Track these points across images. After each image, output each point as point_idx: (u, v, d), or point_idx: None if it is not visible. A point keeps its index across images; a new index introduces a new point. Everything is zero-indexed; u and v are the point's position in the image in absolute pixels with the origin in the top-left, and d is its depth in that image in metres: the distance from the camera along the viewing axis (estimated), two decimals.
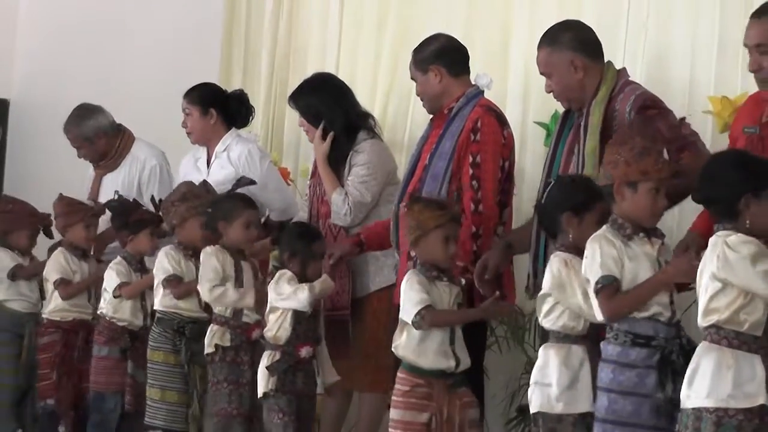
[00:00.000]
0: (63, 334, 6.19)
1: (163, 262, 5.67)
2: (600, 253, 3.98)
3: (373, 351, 5.54)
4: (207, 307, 5.55)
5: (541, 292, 4.28)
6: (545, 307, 4.25)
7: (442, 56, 5.23)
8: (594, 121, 4.63)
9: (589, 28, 4.88)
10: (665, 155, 4.04)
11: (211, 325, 5.40)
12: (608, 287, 3.96)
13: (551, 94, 4.88)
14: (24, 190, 6.93)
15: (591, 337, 4.21)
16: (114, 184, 6.68)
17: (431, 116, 5.35)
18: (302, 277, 5.11)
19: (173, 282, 5.62)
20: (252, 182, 5.76)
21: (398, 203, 5.23)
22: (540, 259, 4.75)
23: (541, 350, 4.29)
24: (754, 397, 3.67)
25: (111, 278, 5.95)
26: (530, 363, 5.57)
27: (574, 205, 4.25)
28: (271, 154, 6.74)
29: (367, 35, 6.91)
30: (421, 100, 5.34)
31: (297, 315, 5.09)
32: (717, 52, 5.45)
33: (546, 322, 4.25)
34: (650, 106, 4.63)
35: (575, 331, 4.20)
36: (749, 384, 3.67)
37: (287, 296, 5.07)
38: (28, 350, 6.40)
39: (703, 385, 3.71)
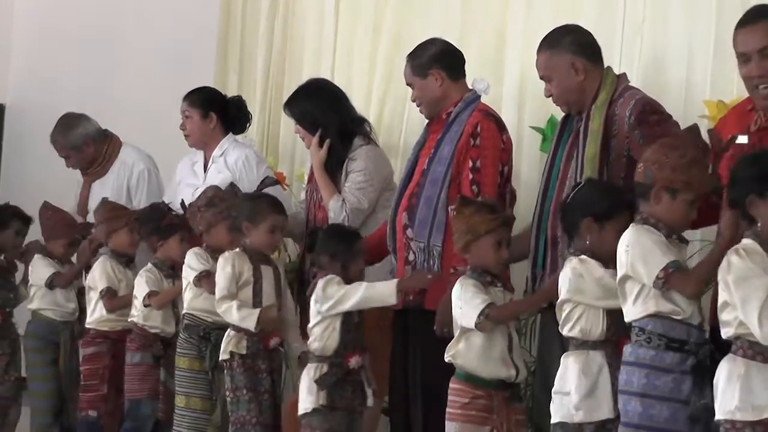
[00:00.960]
0: (111, 344, 6.05)
1: (191, 262, 5.54)
2: (654, 244, 3.86)
3: (370, 357, 5.48)
4: None
5: (559, 300, 4.20)
6: (563, 314, 4.18)
7: (441, 60, 5.23)
8: (594, 127, 4.63)
9: (589, 32, 4.89)
10: (710, 170, 3.97)
11: (228, 330, 5.27)
12: (681, 269, 3.84)
13: (549, 98, 4.88)
14: (19, 195, 6.92)
15: (610, 342, 4.15)
16: (103, 191, 6.67)
17: (427, 121, 5.35)
18: (346, 281, 4.93)
19: (205, 278, 5.47)
20: (276, 182, 5.71)
21: (395, 208, 5.24)
22: (539, 265, 4.76)
23: (561, 359, 4.20)
24: (763, 410, 3.56)
25: (141, 286, 5.84)
26: (527, 367, 5.57)
27: (598, 212, 4.19)
28: (267, 159, 6.74)
29: (362, 40, 6.91)
30: (418, 105, 5.33)
31: (345, 323, 4.91)
32: (713, 55, 5.44)
33: (565, 330, 4.18)
34: (651, 112, 4.63)
35: (593, 335, 4.12)
36: (761, 395, 3.56)
37: (339, 300, 4.87)
38: (65, 358, 6.32)
39: (717, 396, 3.64)
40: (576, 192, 4.31)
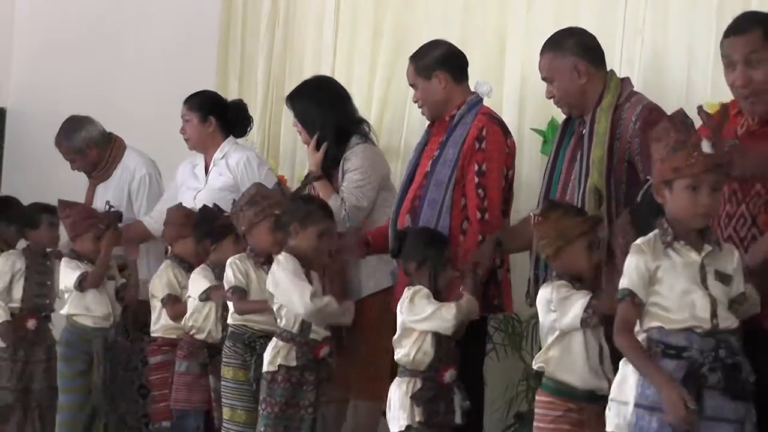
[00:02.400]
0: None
1: (228, 273, 5.30)
2: (627, 263, 3.72)
3: (371, 358, 5.45)
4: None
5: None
6: None
7: (446, 62, 5.23)
8: (600, 129, 4.64)
9: (592, 35, 4.89)
10: (706, 147, 3.67)
11: (275, 340, 5.01)
12: (623, 302, 3.69)
13: (550, 100, 4.88)
14: (21, 198, 6.90)
15: None
16: (106, 194, 6.67)
17: (428, 123, 5.35)
18: (434, 290, 4.70)
19: (236, 295, 5.26)
20: (319, 178, 5.59)
21: (396, 210, 5.23)
22: (541, 266, 4.74)
23: (621, 364, 3.86)
24: None
25: (197, 283, 5.64)
26: (527, 370, 5.58)
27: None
28: (268, 162, 6.74)
29: (363, 42, 6.91)
30: (420, 107, 5.32)
31: (438, 335, 4.64)
32: (713, 57, 5.43)
33: None
34: (656, 122, 4.62)
35: None
36: None
37: (428, 316, 4.63)
38: (97, 369, 6.06)
39: None
40: (645, 193, 4.02)
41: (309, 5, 7.25)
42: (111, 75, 8.02)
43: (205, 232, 5.67)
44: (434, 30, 6.25)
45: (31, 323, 6.34)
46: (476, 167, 5.04)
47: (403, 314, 4.67)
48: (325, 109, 5.76)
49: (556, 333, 4.20)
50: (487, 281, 5.01)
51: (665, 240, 3.71)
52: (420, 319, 4.62)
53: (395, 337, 4.70)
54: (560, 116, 5.01)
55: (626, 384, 3.79)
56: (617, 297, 3.71)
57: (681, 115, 3.81)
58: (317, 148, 5.73)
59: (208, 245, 5.67)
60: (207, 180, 6.28)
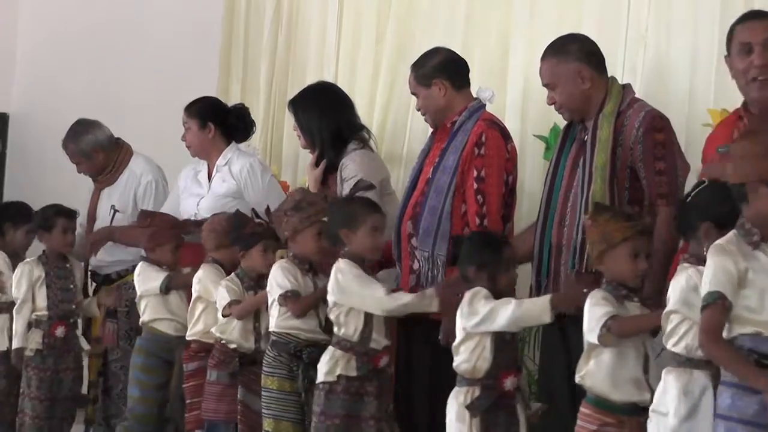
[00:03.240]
0: None
1: (278, 278, 5.09)
2: (712, 264, 3.50)
3: None
4: (328, 329, 5.02)
5: (667, 309, 3.82)
6: (669, 326, 3.80)
7: (445, 69, 5.23)
8: (603, 135, 4.63)
9: (593, 41, 4.89)
10: None
11: (332, 349, 4.82)
12: (712, 306, 3.49)
13: (552, 106, 4.88)
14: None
15: None
16: (111, 199, 6.68)
17: (432, 130, 5.36)
18: (495, 293, 4.47)
19: (291, 298, 5.05)
20: (371, 186, 5.48)
21: (400, 216, 5.23)
22: (543, 273, 4.76)
23: (663, 374, 3.83)
24: None
25: (221, 296, 5.45)
26: (530, 375, 5.57)
27: (719, 217, 3.76)
28: (271, 168, 6.74)
29: (365, 49, 6.92)
30: (423, 114, 5.34)
31: (497, 340, 4.41)
32: (716, 64, 5.43)
33: (669, 344, 3.80)
34: (659, 129, 4.63)
35: (698, 354, 3.69)
36: None
37: (486, 316, 4.39)
38: (178, 379, 5.76)
39: None
40: (696, 193, 3.93)
41: (312, 11, 7.26)
42: (113, 81, 8.04)
43: (235, 238, 5.52)
44: (437, 36, 6.27)
45: (59, 330, 6.25)
46: (475, 173, 5.04)
47: (462, 319, 4.45)
48: (325, 115, 5.76)
49: (588, 344, 4.08)
50: None
51: (751, 240, 3.52)
52: (479, 320, 4.40)
53: (454, 344, 4.49)
54: (563, 123, 5.01)
55: (667, 395, 3.71)
56: (704, 302, 3.51)
57: None
58: (316, 164, 5.73)
59: (237, 252, 5.52)
60: (210, 186, 6.28)
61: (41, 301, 6.27)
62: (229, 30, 7.64)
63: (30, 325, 6.31)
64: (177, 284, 5.87)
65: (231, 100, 6.89)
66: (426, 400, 5.07)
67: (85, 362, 6.58)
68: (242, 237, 5.46)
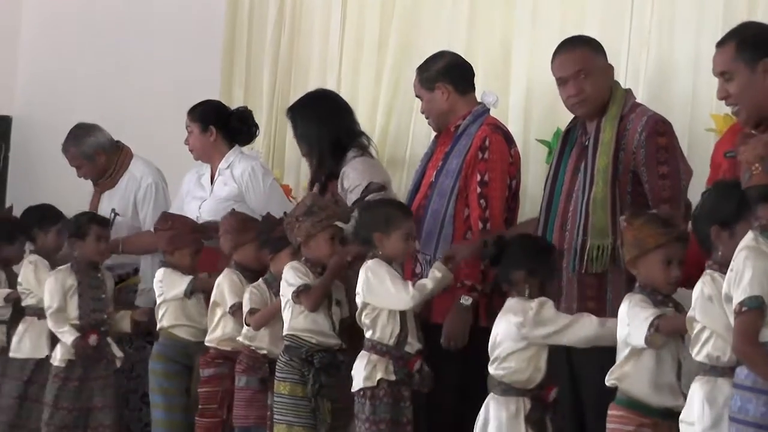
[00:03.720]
0: (232, 366, 5.49)
1: (289, 278, 5.07)
2: (752, 267, 3.42)
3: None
4: (340, 333, 5.08)
5: (689, 314, 3.79)
6: (693, 333, 3.74)
7: (448, 74, 5.24)
8: (606, 139, 4.63)
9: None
10: None
11: (367, 354, 4.76)
12: (753, 312, 3.43)
13: (556, 111, 4.89)
14: (26, 206, 6.90)
15: None
16: (111, 202, 6.68)
17: (435, 133, 5.35)
18: None
19: (304, 293, 5.02)
20: (383, 188, 5.46)
21: None
22: None
23: (692, 384, 3.77)
24: None
25: (245, 303, 5.41)
26: None
27: (723, 217, 3.72)
28: (273, 171, 6.74)
29: (368, 52, 6.91)
30: (427, 118, 5.35)
31: (550, 351, 4.36)
32: None
33: (693, 352, 3.75)
34: (662, 133, 4.63)
35: (721, 362, 3.66)
36: None
37: (561, 329, 4.29)
38: (198, 384, 5.69)
39: None
40: (702, 200, 3.89)
41: (315, 15, 7.25)
42: (117, 84, 8.03)
43: (264, 241, 5.46)
44: (440, 40, 6.27)
45: (92, 339, 6.04)
46: (478, 177, 5.04)
47: (523, 327, 4.32)
48: (323, 123, 5.77)
49: (629, 348, 4.00)
50: (492, 291, 5.01)
51: None
52: (552, 332, 4.29)
53: (501, 352, 4.39)
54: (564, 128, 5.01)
55: (693, 404, 3.67)
56: (745, 306, 3.45)
57: None
58: (313, 181, 5.76)
59: (266, 254, 5.46)
60: (212, 189, 6.28)
61: (73, 310, 6.11)
62: (232, 33, 7.63)
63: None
64: (201, 287, 5.79)
65: (234, 104, 6.89)
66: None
67: None
68: (271, 240, 5.39)
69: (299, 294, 5.02)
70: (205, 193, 6.31)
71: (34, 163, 8.25)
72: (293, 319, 5.07)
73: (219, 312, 5.61)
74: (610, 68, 4.80)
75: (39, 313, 6.27)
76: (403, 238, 4.81)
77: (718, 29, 5.44)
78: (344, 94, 6.34)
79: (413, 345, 4.77)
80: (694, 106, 5.52)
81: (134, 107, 7.82)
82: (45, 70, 8.45)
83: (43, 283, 6.23)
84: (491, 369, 4.40)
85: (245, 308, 5.38)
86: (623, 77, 5.43)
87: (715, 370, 3.67)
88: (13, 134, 8.58)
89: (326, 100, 5.97)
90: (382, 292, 4.75)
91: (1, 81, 8.57)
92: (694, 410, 3.68)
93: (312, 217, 5.09)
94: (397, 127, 6.72)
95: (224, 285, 5.58)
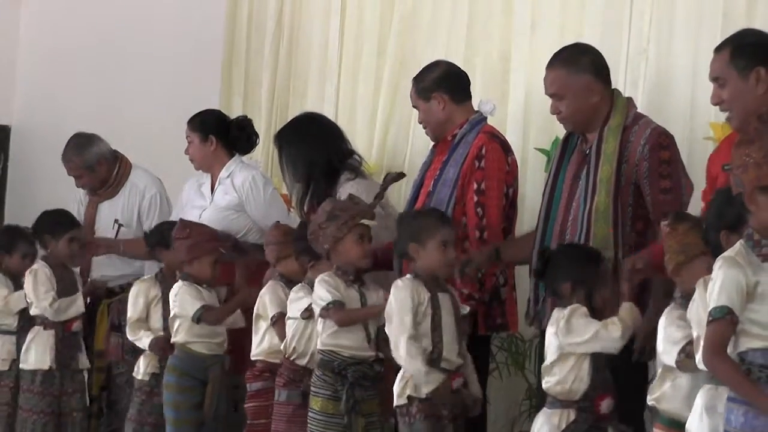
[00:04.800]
0: None
1: (319, 292, 4.91)
2: (723, 277, 3.39)
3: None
4: (378, 346, 4.89)
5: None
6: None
7: (444, 83, 5.23)
8: (609, 149, 4.60)
9: (601, 53, 4.84)
10: None
11: (401, 371, 4.61)
12: (719, 322, 3.38)
13: (554, 119, 4.86)
14: (25, 216, 6.90)
15: None
16: (113, 212, 6.67)
17: (433, 143, 5.36)
18: (590, 311, 4.24)
19: (333, 308, 4.86)
20: (401, 175, 5.26)
21: None
22: (541, 286, 4.72)
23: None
24: None
25: (297, 304, 5.26)
26: (531, 389, 5.58)
27: (729, 222, 3.62)
28: (273, 181, 6.74)
29: (367, 62, 6.92)
30: (424, 127, 5.34)
31: (595, 360, 4.18)
32: None
33: (696, 359, 3.62)
34: (664, 147, 4.61)
35: None
36: None
37: (592, 337, 4.16)
38: (212, 398, 5.61)
39: None
40: (709, 209, 3.85)
41: (313, 24, 7.27)
42: (115, 94, 8.04)
43: (303, 248, 5.28)
44: (438, 49, 6.28)
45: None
46: (475, 186, 5.04)
47: (559, 337, 4.21)
48: (313, 147, 5.77)
49: (662, 365, 3.95)
50: (490, 299, 5.02)
51: (761, 252, 3.41)
52: (582, 341, 4.17)
53: (545, 363, 4.27)
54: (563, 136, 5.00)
55: (695, 414, 3.62)
56: (711, 316, 3.40)
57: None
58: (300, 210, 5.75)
59: (305, 262, 5.33)
60: (213, 199, 6.29)
61: (155, 321, 5.93)
62: (231, 44, 7.65)
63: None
64: (209, 320, 5.64)
65: (233, 114, 6.89)
66: None
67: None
68: (310, 248, 5.20)
69: (328, 310, 4.86)
70: (206, 202, 6.31)
71: (33, 172, 8.25)
72: (325, 332, 4.91)
73: (263, 324, 5.47)
74: (594, 84, 4.68)
75: (45, 322, 6.24)
76: (438, 246, 4.63)
77: (717, 38, 5.44)
78: (342, 105, 6.36)
79: (451, 361, 4.58)
80: (693, 115, 5.53)
81: (133, 117, 7.82)
82: (44, 80, 8.45)
83: (41, 293, 6.19)
84: (542, 382, 4.30)
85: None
86: (622, 86, 5.44)
87: (716, 378, 3.59)
88: (12, 144, 8.58)
89: (313, 124, 5.97)
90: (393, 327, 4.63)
91: (0, 91, 8.59)
92: (693, 419, 3.64)
93: (336, 221, 4.93)
94: (396, 137, 6.73)
95: (266, 296, 5.46)
